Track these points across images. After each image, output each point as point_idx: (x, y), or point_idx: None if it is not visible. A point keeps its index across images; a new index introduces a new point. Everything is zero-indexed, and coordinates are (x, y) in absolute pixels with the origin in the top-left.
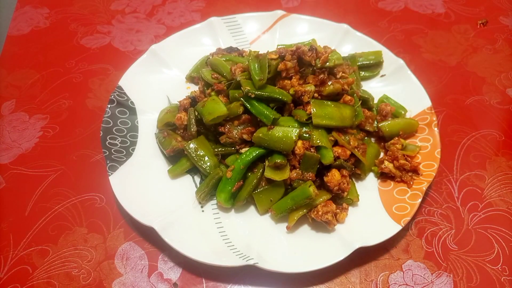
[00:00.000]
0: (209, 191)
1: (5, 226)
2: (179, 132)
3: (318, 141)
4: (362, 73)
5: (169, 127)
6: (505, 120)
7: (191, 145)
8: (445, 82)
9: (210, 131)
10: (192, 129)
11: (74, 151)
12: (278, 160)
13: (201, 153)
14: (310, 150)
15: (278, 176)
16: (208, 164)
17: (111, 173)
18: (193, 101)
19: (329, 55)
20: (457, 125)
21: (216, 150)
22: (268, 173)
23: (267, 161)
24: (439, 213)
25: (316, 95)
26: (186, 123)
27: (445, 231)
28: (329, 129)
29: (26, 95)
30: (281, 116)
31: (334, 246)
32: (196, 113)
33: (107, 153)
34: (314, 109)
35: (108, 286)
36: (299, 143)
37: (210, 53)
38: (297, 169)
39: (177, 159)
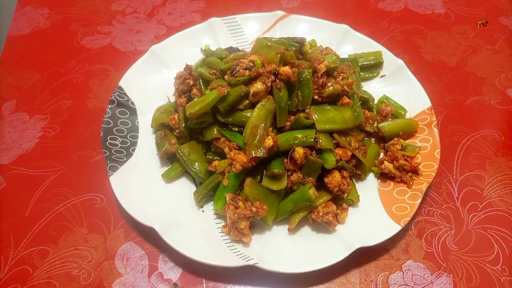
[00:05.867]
0: (207, 193)
1: (5, 226)
2: (175, 132)
3: (325, 145)
4: (362, 74)
5: (164, 127)
6: (505, 121)
7: (183, 150)
8: (445, 83)
9: (199, 139)
10: (180, 128)
11: (75, 151)
12: (276, 170)
13: (193, 158)
14: (312, 154)
15: (275, 186)
16: (198, 169)
17: (112, 174)
18: (189, 100)
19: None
20: (457, 126)
21: (208, 157)
22: (266, 183)
23: (265, 171)
24: (439, 213)
25: (316, 97)
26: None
27: (445, 231)
28: (330, 132)
29: (26, 95)
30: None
31: (334, 246)
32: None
33: (108, 153)
34: (316, 116)
35: (108, 286)
36: (301, 151)
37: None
38: (298, 173)
39: (174, 159)
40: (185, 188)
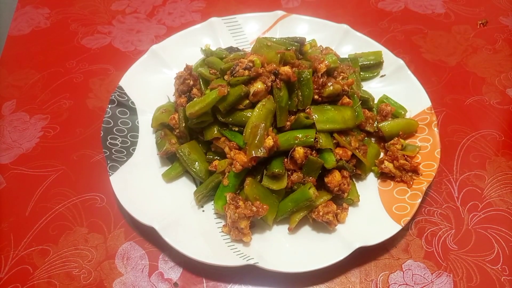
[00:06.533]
0: (207, 193)
1: (5, 226)
2: (175, 132)
3: (325, 145)
4: (362, 74)
5: (164, 127)
6: (505, 120)
7: (183, 149)
8: (445, 82)
9: (200, 139)
10: (181, 127)
11: (75, 151)
12: (276, 170)
13: (193, 158)
14: (312, 154)
15: (276, 186)
16: (199, 168)
17: (112, 173)
18: (189, 99)
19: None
20: (457, 125)
21: (208, 157)
22: (266, 182)
23: (265, 170)
24: (439, 213)
25: (316, 97)
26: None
27: (445, 231)
28: (330, 132)
29: (26, 95)
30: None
31: (334, 246)
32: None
33: (108, 153)
34: (316, 115)
35: (108, 285)
36: (301, 151)
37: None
38: (298, 172)
39: (175, 159)
40: (185, 187)
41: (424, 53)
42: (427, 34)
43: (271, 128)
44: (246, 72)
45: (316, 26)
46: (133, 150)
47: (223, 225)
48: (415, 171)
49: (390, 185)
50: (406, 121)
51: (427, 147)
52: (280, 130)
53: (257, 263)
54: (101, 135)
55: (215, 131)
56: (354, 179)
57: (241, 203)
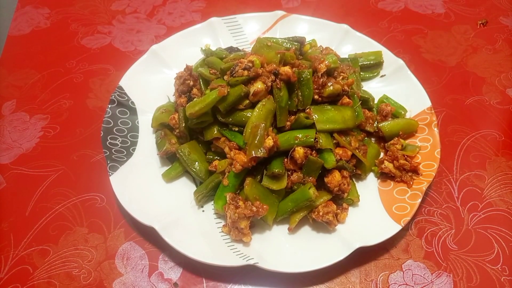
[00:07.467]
0: (207, 193)
1: (5, 226)
2: (175, 132)
3: (325, 145)
4: (362, 74)
5: (164, 127)
6: (505, 120)
7: (183, 149)
8: (445, 82)
9: (200, 139)
10: (181, 127)
11: (75, 151)
12: (276, 170)
13: (193, 158)
14: (312, 154)
15: (276, 186)
16: (199, 168)
17: (112, 173)
18: (189, 99)
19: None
20: (457, 125)
21: (208, 157)
22: (266, 182)
23: (265, 170)
24: (439, 213)
25: (316, 97)
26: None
27: (445, 231)
28: (330, 132)
29: (26, 95)
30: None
31: (334, 246)
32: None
33: (108, 153)
34: (316, 116)
35: (108, 286)
36: (301, 151)
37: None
38: (298, 172)
39: (175, 159)
40: (185, 187)
41: (424, 53)
42: (427, 34)
43: (271, 128)
44: (246, 72)
45: (316, 26)
46: (133, 150)
47: (223, 225)
48: (415, 171)
49: (390, 185)
50: (406, 121)
51: (427, 147)
52: (280, 130)
53: (257, 263)
54: (101, 135)
55: (215, 131)
56: (354, 179)
57: (241, 203)
